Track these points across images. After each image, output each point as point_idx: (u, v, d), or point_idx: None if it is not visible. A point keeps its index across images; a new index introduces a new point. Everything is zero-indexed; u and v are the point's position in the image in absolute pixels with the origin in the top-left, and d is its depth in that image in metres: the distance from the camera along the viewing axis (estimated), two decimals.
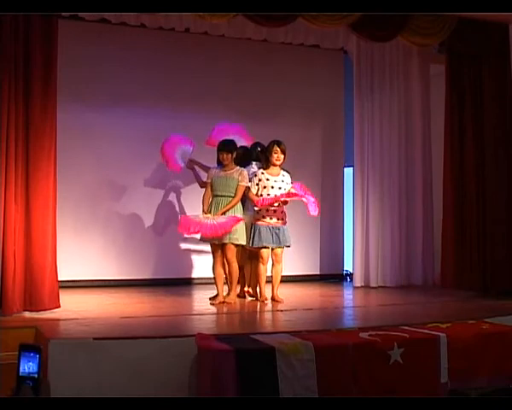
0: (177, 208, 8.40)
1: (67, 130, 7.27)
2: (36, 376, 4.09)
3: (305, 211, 8.69)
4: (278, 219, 6.68)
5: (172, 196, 8.38)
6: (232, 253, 6.61)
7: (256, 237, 6.60)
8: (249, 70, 8.74)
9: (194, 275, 8.38)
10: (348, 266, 9.16)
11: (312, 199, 6.80)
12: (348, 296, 8.03)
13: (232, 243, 6.58)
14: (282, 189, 6.66)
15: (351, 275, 8.88)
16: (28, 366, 4.12)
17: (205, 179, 6.98)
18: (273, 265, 6.77)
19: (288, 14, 6.40)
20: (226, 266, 6.70)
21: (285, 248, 6.79)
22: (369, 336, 4.78)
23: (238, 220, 6.52)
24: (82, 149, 7.97)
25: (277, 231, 6.65)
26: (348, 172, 9.22)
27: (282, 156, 6.73)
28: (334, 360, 4.49)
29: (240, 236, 6.60)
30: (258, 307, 6.66)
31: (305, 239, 9.01)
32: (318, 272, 9.13)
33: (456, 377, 4.82)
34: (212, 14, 6.15)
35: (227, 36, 8.19)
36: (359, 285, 8.38)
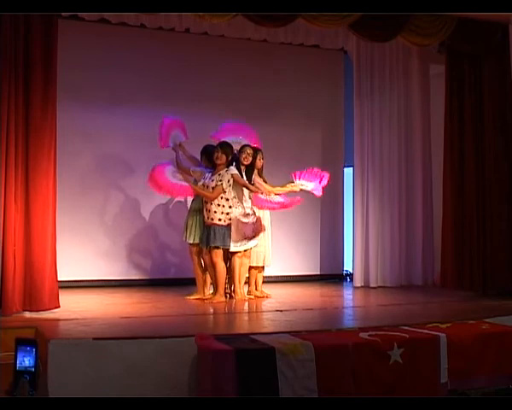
0: (177, 209, 8.39)
1: (67, 130, 7.27)
2: (33, 370, 4.10)
3: (305, 211, 8.75)
4: (208, 219, 6.72)
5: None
6: (190, 251, 7.04)
7: None
8: (249, 70, 8.74)
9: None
10: (348, 267, 9.15)
11: (312, 185, 6.96)
12: (348, 296, 8.03)
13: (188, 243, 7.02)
14: (210, 188, 6.69)
15: (351, 275, 8.88)
16: (25, 361, 4.13)
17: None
18: None
19: (288, 14, 6.40)
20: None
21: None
22: (369, 336, 4.77)
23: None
24: (82, 149, 7.97)
25: (209, 230, 6.72)
26: (348, 172, 9.22)
27: (224, 157, 6.77)
28: (334, 360, 4.48)
29: (189, 234, 6.95)
30: (258, 307, 6.67)
31: (305, 239, 9.03)
32: (318, 272, 9.12)
33: (456, 377, 4.82)
34: (212, 14, 6.16)
35: (227, 36, 8.21)
36: (359, 285, 8.38)
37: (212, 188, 6.68)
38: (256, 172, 7.07)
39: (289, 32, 8.20)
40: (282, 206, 6.93)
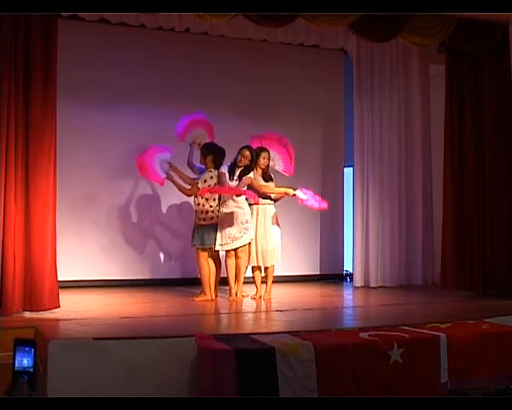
0: (178, 208, 8.40)
1: (67, 130, 7.27)
2: (31, 370, 4.10)
3: (305, 211, 8.75)
4: (199, 219, 6.82)
5: (173, 196, 8.37)
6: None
7: None
8: (249, 70, 8.75)
9: (194, 275, 8.37)
10: (348, 266, 9.16)
11: (308, 197, 7.03)
12: (348, 296, 8.03)
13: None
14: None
15: (351, 275, 8.88)
16: (23, 361, 4.13)
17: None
18: None
19: (288, 14, 6.40)
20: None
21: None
22: (369, 336, 4.77)
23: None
24: (82, 149, 7.97)
25: (202, 231, 6.79)
26: (348, 172, 9.22)
27: (203, 158, 6.96)
28: (334, 360, 4.48)
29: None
30: (258, 307, 6.67)
31: (305, 239, 9.03)
32: (318, 272, 9.13)
33: (456, 377, 4.82)
34: (212, 14, 6.16)
35: (227, 36, 8.22)
36: (359, 285, 8.39)
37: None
38: (260, 171, 7.06)
39: (289, 32, 8.21)
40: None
